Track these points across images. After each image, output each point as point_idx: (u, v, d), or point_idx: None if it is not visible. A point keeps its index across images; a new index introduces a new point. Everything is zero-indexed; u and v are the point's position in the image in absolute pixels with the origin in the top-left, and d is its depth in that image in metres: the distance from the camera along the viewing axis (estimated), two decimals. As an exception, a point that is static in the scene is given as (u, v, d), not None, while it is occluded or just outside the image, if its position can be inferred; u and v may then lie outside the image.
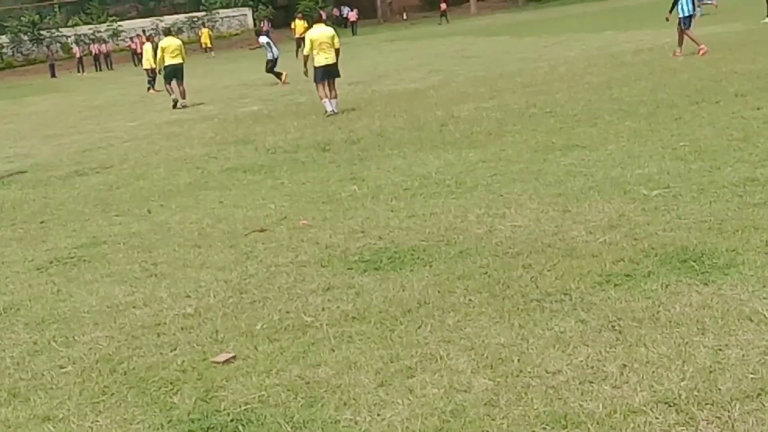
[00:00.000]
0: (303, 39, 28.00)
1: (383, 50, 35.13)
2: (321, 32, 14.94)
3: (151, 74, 25.78)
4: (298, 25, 36.34)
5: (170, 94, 20.49)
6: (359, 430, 3.63)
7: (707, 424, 3.36)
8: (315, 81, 15.05)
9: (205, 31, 54.73)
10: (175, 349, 4.76)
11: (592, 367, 3.93)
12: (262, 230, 7.13)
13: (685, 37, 17.54)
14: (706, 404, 3.49)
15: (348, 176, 9.24)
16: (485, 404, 3.70)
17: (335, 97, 15.08)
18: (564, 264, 5.40)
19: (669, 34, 19.02)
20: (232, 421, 3.82)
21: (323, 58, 14.78)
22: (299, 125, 14.19)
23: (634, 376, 3.79)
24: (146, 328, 5.16)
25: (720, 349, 3.96)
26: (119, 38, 60.45)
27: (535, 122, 11.30)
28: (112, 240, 7.54)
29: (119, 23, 62.44)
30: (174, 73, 20.15)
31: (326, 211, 7.65)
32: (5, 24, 60.12)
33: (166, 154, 12.90)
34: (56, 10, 64.61)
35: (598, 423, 3.44)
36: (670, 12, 18.18)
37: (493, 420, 3.56)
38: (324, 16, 16.90)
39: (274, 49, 23.69)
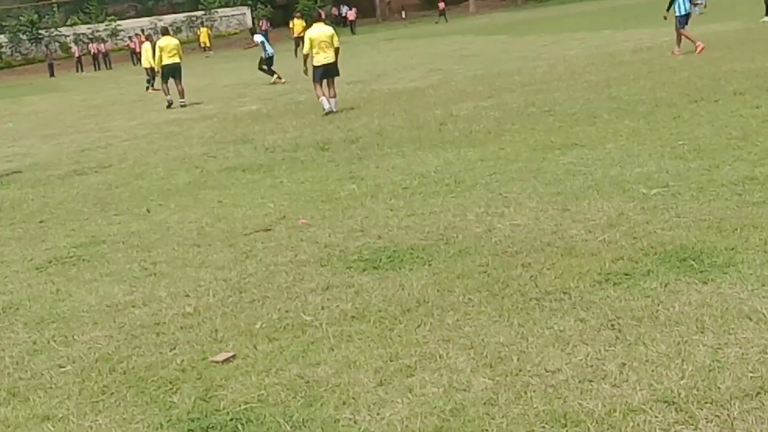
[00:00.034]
0: (301, 38, 28.08)
1: (382, 49, 35.12)
2: (320, 31, 14.93)
3: (150, 73, 25.80)
4: (297, 24, 36.35)
5: (166, 95, 20.51)
6: (359, 429, 3.63)
7: (707, 422, 3.36)
8: (313, 80, 15.04)
9: (203, 30, 54.72)
10: (174, 349, 4.76)
11: (592, 366, 3.93)
12: (267, 230, 7.08)
13: (682, 35, 17.58)
14: (706, 403, 3.49)
15: (347, 175, 9.24)
16: (485, 403, 3.70)
17: (334, 96, 15.07)
18: (563, 263, 5.40)
19: (667, 33, 19.03)
20: (231, 420, 3.82)
21: (323, 58, 14.78)
22: (298, 124, 14.19)
23: (633, 375, 3.79)
24: (145, 327, 5.16)
25: (719, 348, 3.96)
26: (118, 38, 60.45)
27: (534, 121, 11.31)
28: (111, 239, 7.54)
29: (118, 23, 62.43)
30: (172, 72, 20.26)
31: (325, 210, 7.65)
32: (4, 23, 60.11)
33: (165, 153, 12.90)
34: (55, 9, 64.59)
35: (597, 422, 3.45)
36: (667, 10, 18.22)
37: (492, 419, 3.56)
38: (323, 15, 16.90)
39: (269, 47, 23.81)
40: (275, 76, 23.18)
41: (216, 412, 3.92)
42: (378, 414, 3.72)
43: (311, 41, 14.80)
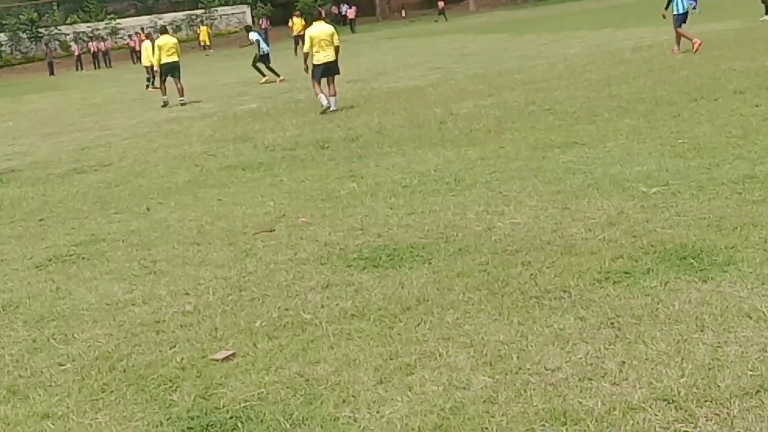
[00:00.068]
0: (301, 37, 28.08)
1: (382, 48, 35.11)
2: (320, 30, 14.94)
3: (150, 72, 25.79)
4: (296, 22, 36.37)
5: (162, 95, 20.53)
6: (358, 428, 3.63)
7: (706, 420, 3.36)
8: (312, 77, 15.05)
9: (203, 28, 54.68)
10: (174, 347, 4.76)
11: (591, 364, 3.93)
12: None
13: (687, 35, 17.59)
14: (705, 401, 3.49)
15: (347, 174, 9.24)
16: (484, 401, 3.70)
17: (335, 94, 15.07)
18: (563, 261, 5.40)
19: (668, 32, 19.02)
20: (231, 418, 3.82)
21: (323, 56, 14.78)
22: (298, 123, 14.18)
23: (633, 373, 3.79)
24: (145, 325, 5.16)
25: (719, 346, 3.96)
26: (118, 36, 60.42)
27: (534, 120, 11.30)
28: (111, 238, 7.54)
29: (118, 21, 62.39)
30: (170, 70, 20.38)
31: (325, 209, 7.65)
32: (4, 22, 60.06)
33: (165, 151, 12.90)
34: (55, 7, 64.51)
35: (597, 420, 3.45)
36: (666, 9, 18.23)
37: (492, 417, 3.56)
38: (323, 14, 16.90)
39: (264, 45, 23.90)
40: (268, 75, 23.26)
41: (216, 410, 3.92)
42: (378, 412, 3.72)
43: (311, 40, 14.80)
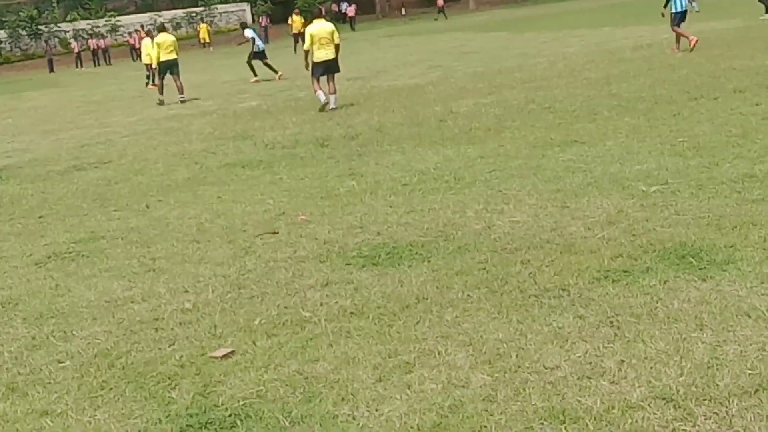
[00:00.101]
0: (300, 35, 28.05)
1: (382, 46, 35.10)
2: (320, 27, 14.94)
3: (150, 69, 25.75)
4: (296, 20, 36.35)
5: (159, 94, 20.53)
6: (357, 425, 3.63)
7: (705, 419, 3.36)
8: (312, 75, 15.06)
9: (203, 26, 54.68)
10: (173, 344, 4.76)
11: (590, 363, 3.93)
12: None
13: (683, 33, 17.60)
14: (704, 400, 3.49)
15: (346, 172, 9.23)
16: (483, 399, 3.70)
17: (334, 92, 15.07)
18: (562, 260, 5.40)
19: (667, 30, 19.00)
20: (230, 416, 3.82)
21: (323, 54, 14.79)
22: (298, 121, 14.18)
23: (632, 372, 3.80)
24: (144, 323, 5.16)
25: (718, 345, 3.96)
26: (117, 33, 60.40)
27: (533, 118, 11.30)
28: (111, 235, 7.54)
29: (117, 18, 62.37)
30: (169, 67, 20.47)
31: (325, 207, 7.65)
32: (3, 19, 60.02)
33: (165, 149, 12.89)
34: (54, 5, 64.44)
35: (595, 418, 3.45)
36: (665, 7, 18.24)
37: (491, 415, 3.56)
38: (324, 12, 16.89)
39: (259, 42, 23.96)
40: (268, 72, 23.30)
41: (215, 407, 3.92)
42: (376, 410, 3.73)
43: (312, 37, 14.80)
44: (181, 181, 9.93)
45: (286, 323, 4.87)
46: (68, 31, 60.27)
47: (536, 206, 6.78)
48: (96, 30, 59.31)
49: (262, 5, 64.71)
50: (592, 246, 5.61)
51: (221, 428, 3.74)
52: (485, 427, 3.49)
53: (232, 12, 66.04)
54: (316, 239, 6.58)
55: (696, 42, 16.99)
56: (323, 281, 5.54)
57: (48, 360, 4.75)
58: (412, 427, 3.55)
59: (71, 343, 4.97)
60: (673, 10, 17.86)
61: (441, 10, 57.52)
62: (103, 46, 53.45)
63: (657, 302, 4.54)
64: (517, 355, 4.09)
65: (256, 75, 23.56)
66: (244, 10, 65.94)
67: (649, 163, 7.74)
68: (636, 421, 3.39)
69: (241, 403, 3.93)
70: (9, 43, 59.92)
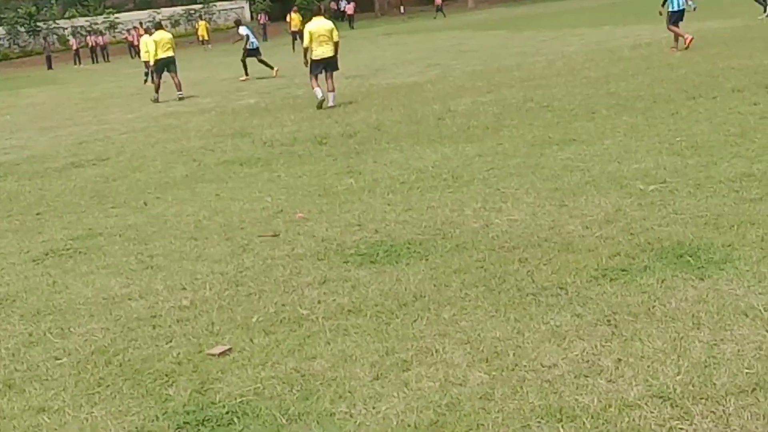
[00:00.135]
0: (298, 32, 28.03)
1: (380, 44, 35.09)
2: (319, 25, 14.93)
3: (149, 66, 25.73)
4: (294, 18, 36.31)
5: (156, 90, 20.51)
6: (354, 423, 3.63)
7: (702, 418, 3.37)
8: (310, 72, 15.07)
9: (202, 23, 54.55)
10: (170, 341, 4.76)
11: (588, 361, 3.93)
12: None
13: (682, 32, 17.62)
14: (701, 399, 3.50)
15: (345, 169, 9.23)
16: (480, 398, 3.70)
17: (333, 90, 15.07)
18: (560, 258, 5.40)
19: (666, 30, 19.00)
20: (227, 413, 3.82)
21: (321, 51, 14.79)
22: (296, 118, 14.17)
23: (629, 371, 3.80)
24: (142, 320, 5.16)
25: (715, 344, 3.97)
26: (116, 30, 60.33)
27: (532, 117, 11.30)
28: (108, 232, 7.53)
29: (116, 15, 62.31)
30: (166, 65, 20.53)
31: (323, 205, 7.65)
32: (2, 16, 59.92)
33: (163, 146, 12.88)
34: (53, 1, 64.31)
35: (593, 417, 3.45)
36: (663, 6, 18.25)
37: (488, 413, 3.56)
38: (323, 9, 16.88)
39: (253, 39, 24.01)
40: (246, 77, 23.39)
41: (212, 405, 3.92)
42: (374, 408, 3.73)
43: (310, 35, 14.81)
44: (179, 179, 9.93)
45: (283, 321, 4.87)
46: (67, 28, 60.20)
47: (534, 205, 6.78)
48: (94, 27, 59.22)
49: (261, 3, 64.61)
50: (589, 245, 5.61)
51: (218, 425, 3.74)
52: (482, 425, 3.49)
53: (231, 10, 65.96)
54: (313, 237, 6.58)
55: (691, 40, 17.03)
56: (321, 279, 5.53)
57: (45, 357, 4.74)
58: (409, 425, 3.55)
59: (68, 340, 4.96)
60: (670, 9, 17.88)
61: (439, 9, 57.46)
62: (101, 43, 53.35)
63: (654, 301, 4.54)
64: (514, 354, 4.09)
65: (247, 74, 23.64)
66: (243, 7, 65.90)
67: (647, 162, 7.74)
68: (633, 420, 3.40)
69: (239, 400, 3.93)
70: (7, 40, 59.85)
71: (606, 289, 4.78)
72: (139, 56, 27.89)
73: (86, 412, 4.00)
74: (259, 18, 56.67)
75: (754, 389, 3.52)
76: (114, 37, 58.61)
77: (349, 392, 3.89)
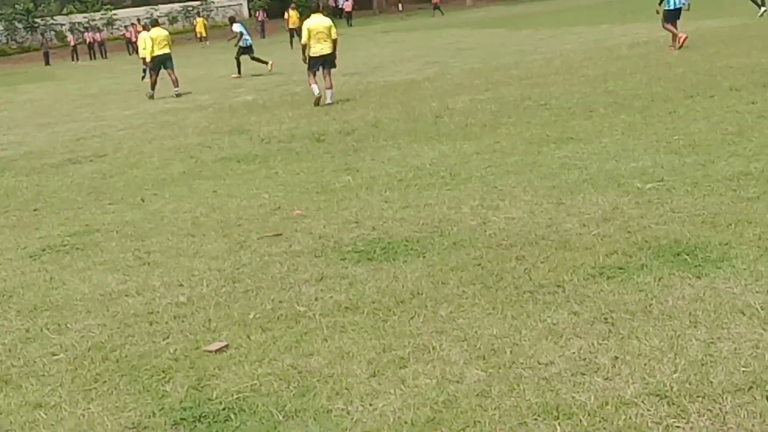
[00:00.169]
0: (296, 30, 28.01)
1: (379, 41, 35.06)
2: (318, 22, 14.94)
3: (146, 63, 25.71)
4: (292, 15, 36.29)
5: (152, 87, 20.49)
6: (351, 420, 3.63)
7: (699, 416, 3.37)
8: (308, 69, 15.08)
9: (200, 20, 54.47)
10: (167, 338, 4.76)
11: (585, 359, 3.93)
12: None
13: (676, 30, 17.63)
14: (698, 397, 3.50)
15: (342, 167, 9.23)
16: (477, 395, 3.70)
17: (331, 87, 15.07)
18: (557, 256, 5.40)
19: (663, 28, 19.01)
20: (224, 409, 3.82)
21: (319, 49, 14.80)
22: (294, 115, 14.16)
23: (626, 369, 3.80)
24: (139, 316, 5.16)
25: (712, 342, 3.97)
26: (114, 27, 60.25)
27: (530, 115, 11.30)
28: (105, 228, 7.52)
29: (114, 12, 62.20)
30: (163, 62, 20.57)
31: (320, 202, 7.65)
32: (0, 11, 59.87)
33: (160, 143, 12.87)
34: (51, -2, 64.37)
35: (589, 414, 3.45)
36: (660, 4, 18.25)
37: (485, 411, 3.57)
38: (321, 6, 16.87)
39: (247, 36, 24.02)
40: (237, 75, 23.39)
41: (209, 401, 3.92)
42: (371, 405, 3.73)
43: (309, 32, 14.81)
44: (177, 175, 9.92)
45: (280, 317, 4.87)
46: (64, 24, 60.08)
47: (532, 203, 6.78)
48: (92, 23, 59.13)
49: (259, 0, 64.58)
50: (587, 243, 5.61)
51: (215, 422, 3.74)
52: (479, 422, 3.49)
53: (229, 6, 65.80)
54: (311, 234, 6.58)
55: (685, 39, 17.04)
56: (318, 276, 5.53)
57: (42, 353, 4.74)
58: (406, 422, 3.55)
59: (65, 335, 4.96)
60: (666, 7, 17.89)
61: (437, 7, 57.38)
62: (99, 40, 53.28)
63: (651, 299, 4.55)
64: (511, 351, 4.09)
65: (240, 73, 23.63)
66: (241, 4, 65.80)
67: (645, 161, 7.74)
68: (630, 418, 3.40)
69: (235, 396, 3.93)
70: (5, 36, 59.77)
71: (603, 287, 4.78)
72: (137, 53, 27.85)
73: (83, 408, 4.00)
74: (257, 15, 56.60)
75: (750, 387, 3.53)
76: (111, 33, 58.52)
77: (346, 389, 3.89)
